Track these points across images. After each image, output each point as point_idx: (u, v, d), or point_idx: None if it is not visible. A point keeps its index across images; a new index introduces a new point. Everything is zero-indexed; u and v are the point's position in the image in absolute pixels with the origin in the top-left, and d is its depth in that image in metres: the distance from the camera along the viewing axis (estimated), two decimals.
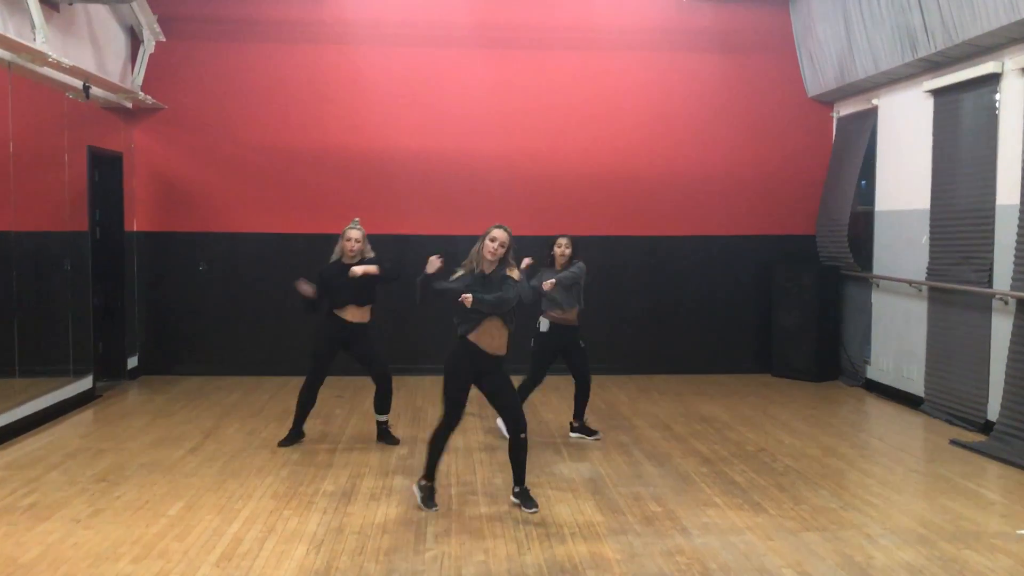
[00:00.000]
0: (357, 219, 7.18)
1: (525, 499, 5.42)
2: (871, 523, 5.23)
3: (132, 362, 9.90)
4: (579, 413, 7.26)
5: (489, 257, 5.42)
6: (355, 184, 10.02)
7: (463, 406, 5.48)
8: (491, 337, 5.36)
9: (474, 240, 10.82)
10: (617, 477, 6.16)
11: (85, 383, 8.58)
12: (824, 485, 6.00)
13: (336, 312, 6.85)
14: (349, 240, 6.95)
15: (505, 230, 5.50)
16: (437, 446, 5.47)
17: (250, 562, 4.57)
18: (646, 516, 5.35)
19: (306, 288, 6.76)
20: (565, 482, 6.03)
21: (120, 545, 4.77)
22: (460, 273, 5.51)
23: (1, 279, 7.22)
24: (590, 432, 7.25)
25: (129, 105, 9.59)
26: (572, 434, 7.28)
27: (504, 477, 6.01)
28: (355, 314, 6.87)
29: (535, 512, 5.32)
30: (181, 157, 10.00)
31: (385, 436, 7.07)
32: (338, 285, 6.79)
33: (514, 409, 5.43)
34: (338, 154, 10.02)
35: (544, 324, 7.04)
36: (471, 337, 5.36)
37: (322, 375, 6.96)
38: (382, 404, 7.06)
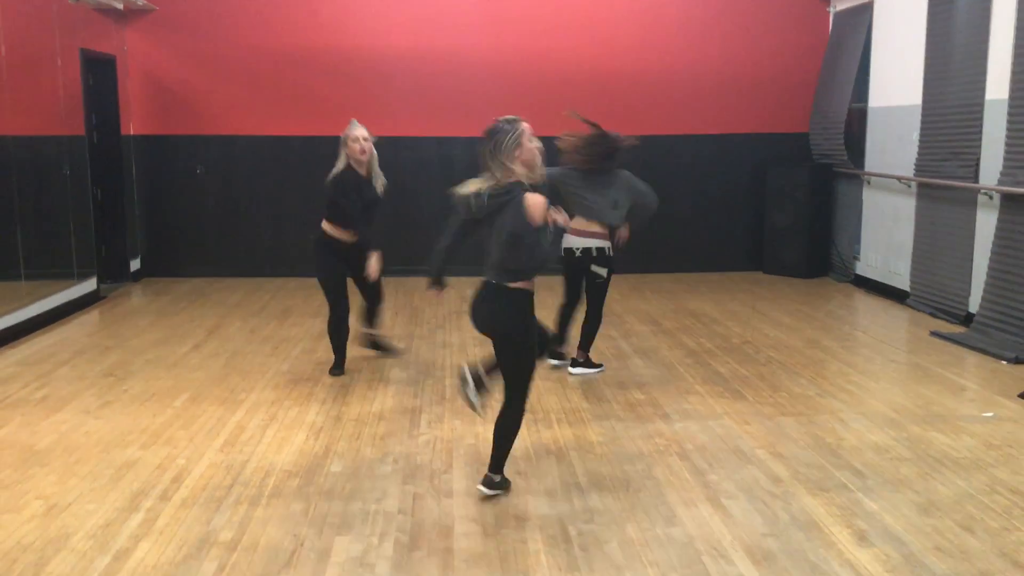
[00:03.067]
0: (354, 120, 6.28)
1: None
2: (845, 408, 5.47)
3: (135, 264, 10.09)
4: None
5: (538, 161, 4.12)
6: (349, 85, 10.02)
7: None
8: None
9: (469, 142, 10.87)
10: (605, 369, 6.38)
11: (89, 285, 8.79)
12: (803, 374, 6.23)
13: (333, 229, 6.09)
14: (356, 141, 5.98)
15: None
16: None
17: (252, 447, 4.83)
18: (629, 403, 5.59)
19: None
20: (555, 373, 6.26)
21: (129, 433, 5.03)
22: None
23: (1, 184, 7.34)
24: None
25: (120, 6, 9.52)
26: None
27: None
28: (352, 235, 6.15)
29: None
30: (174, 60, 9.98)
31: (381, 346, 6.66)
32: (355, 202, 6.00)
33: None
34: (331, 55, 9.99)
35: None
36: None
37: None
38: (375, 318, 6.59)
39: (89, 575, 3.46)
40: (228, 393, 5.82)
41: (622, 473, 4.47)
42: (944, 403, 5.58)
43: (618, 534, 3.81)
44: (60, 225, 8.37)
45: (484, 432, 5.03)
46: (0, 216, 7.38)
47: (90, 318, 8.23)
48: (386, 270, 9.78)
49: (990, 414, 5.34)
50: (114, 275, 9.73)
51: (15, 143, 7.56)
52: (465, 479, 4.37)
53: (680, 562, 3.56)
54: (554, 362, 6.31)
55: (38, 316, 7.67)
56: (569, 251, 6.04)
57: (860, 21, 9.60)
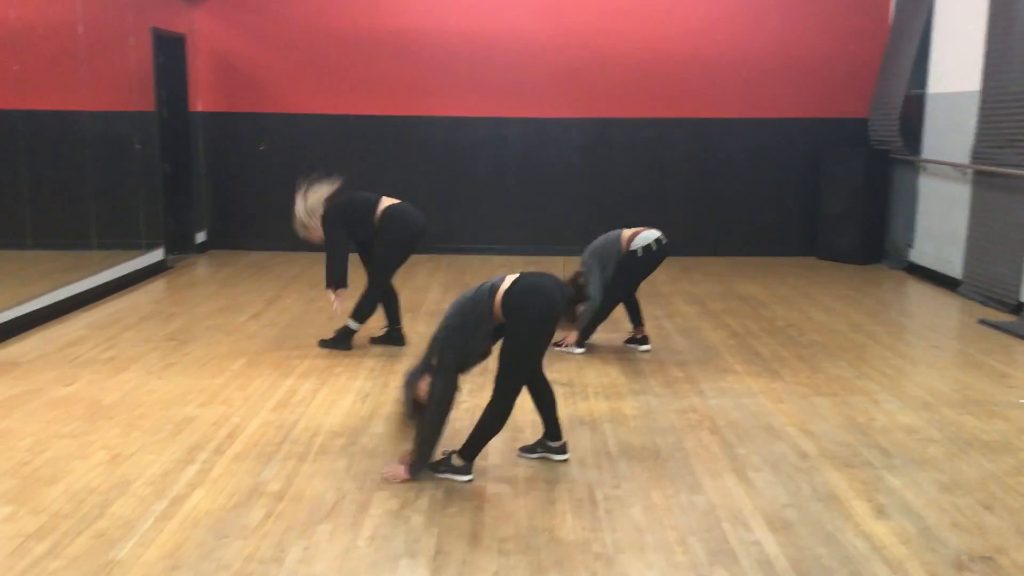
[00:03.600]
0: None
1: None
2: (880, 390, 5.53)
3: (200, 237, 10.50)
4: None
5: None
6: (407, 66, 10.24)
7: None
8: None
9: (524, 123, 11.14)
10: (639, 351, 6.51)
11: (156, 255, 9.19)
12: (844, 357, 6.29)
13: None
14: (304, 230, 6.48)
15: None
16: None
17: (303, 409, 5.10)
18: (667, 380, 5.73)
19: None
20: (595, 349, 6.42)
21: (188, 393, 5.35)
22: None
23: (76, 157, 7.74)
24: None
25: None
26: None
27: None
28: None
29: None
30: (240, 39, 10.32)
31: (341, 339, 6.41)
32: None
33: None
34: (391, 35, 10.22)
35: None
36: None
37: None
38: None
39: (148, 516, 3.75)
40: (283, 359, 6.10)
41: (652, 444, 4.63)
42: (983, 389, 5.60)
43: (643, 499, 3.97)
44: (130, 198, 8.77)
45: (521, 403, 5.19)
46: (75, 188, 7.79)
47: (156, 286, 8.63)
48: (439, 247, 10.05)
49: None
50: (180, 247, 10.12)
51: (90, 118, 7.95)
52: (501, 443, 4.55)
53: (700, 527, 3.72)
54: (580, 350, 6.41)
55: (108, 283, 8.08)
56: (658, 241, 6.25)
57: (921, 6, 9.49)
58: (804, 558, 3.47)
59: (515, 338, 4.16)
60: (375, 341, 6.53)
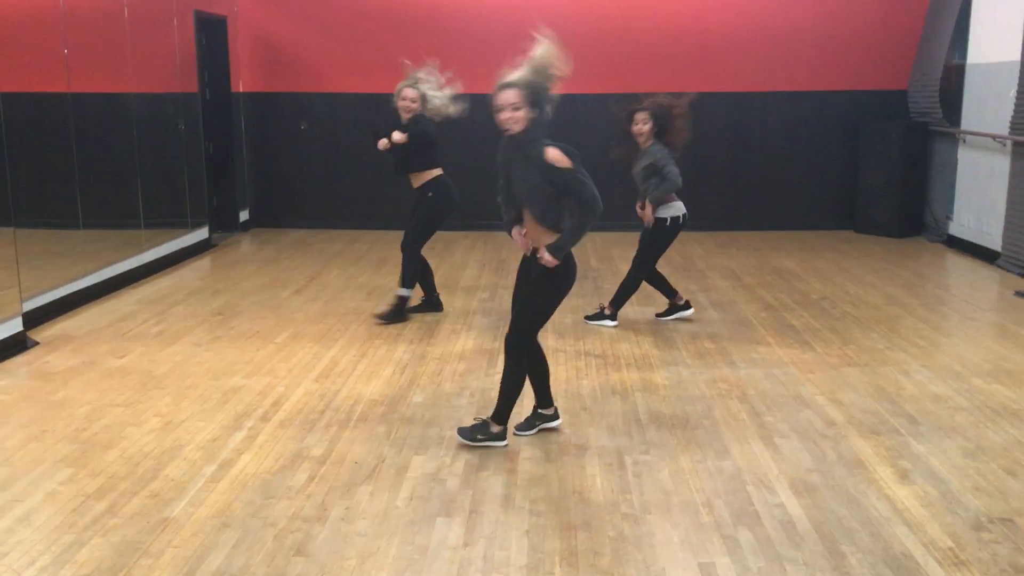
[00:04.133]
0: (417, 73, 6.75)
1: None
2: (911, 361, 5.59)
3: (244, 215, 10.74)
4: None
5: None
6: (446, 43, 10.32)
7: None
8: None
9: (560, 99, 11.16)
10: (680, 320, 6.61)
11: (202, 234, 9.45)
12: (876, 329, 6.34)
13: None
14: (404, 99, 6.62)
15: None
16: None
17: (344, 379, 5.29)
18: (699, 352, 5.83)
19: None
20: (629, 323, 6.54)
21: (235, 364, 5.56)
22: None
23: (123, 138, 7.98)
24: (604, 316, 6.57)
25: None
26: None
27: (574, 317, 6.57)
28: (413, 180, 6.63)
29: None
30: (281, 20, 10.50)
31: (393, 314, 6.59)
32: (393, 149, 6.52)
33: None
34: (428, 14, 10.34)
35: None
36: None
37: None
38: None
39: (198, 479, 3.96)
40: (325, 332, 6.30)
41: (682, 412, 4.75)
42: (1015, 360, 5.63)
43: (671, 464, 4.10)
44: (175, 178, 9.01)
45: (555, 373, 5.35)
46: (122, 169, 8.03)
47: (202, 264, 8.88)
48: (476, 224, 10.18)
49: None
50: (224, 225, 10.38)
51: (135, 100, 8.18)
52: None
53: (725, 490, 3.84)
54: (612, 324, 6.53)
55: (156, 261, 8.34)
56: (684, 216, 6.35)
57: None
58: (826, 519, 3.58)
59: (547, 295, 4.29)
60: (414, 310, 6.75)
